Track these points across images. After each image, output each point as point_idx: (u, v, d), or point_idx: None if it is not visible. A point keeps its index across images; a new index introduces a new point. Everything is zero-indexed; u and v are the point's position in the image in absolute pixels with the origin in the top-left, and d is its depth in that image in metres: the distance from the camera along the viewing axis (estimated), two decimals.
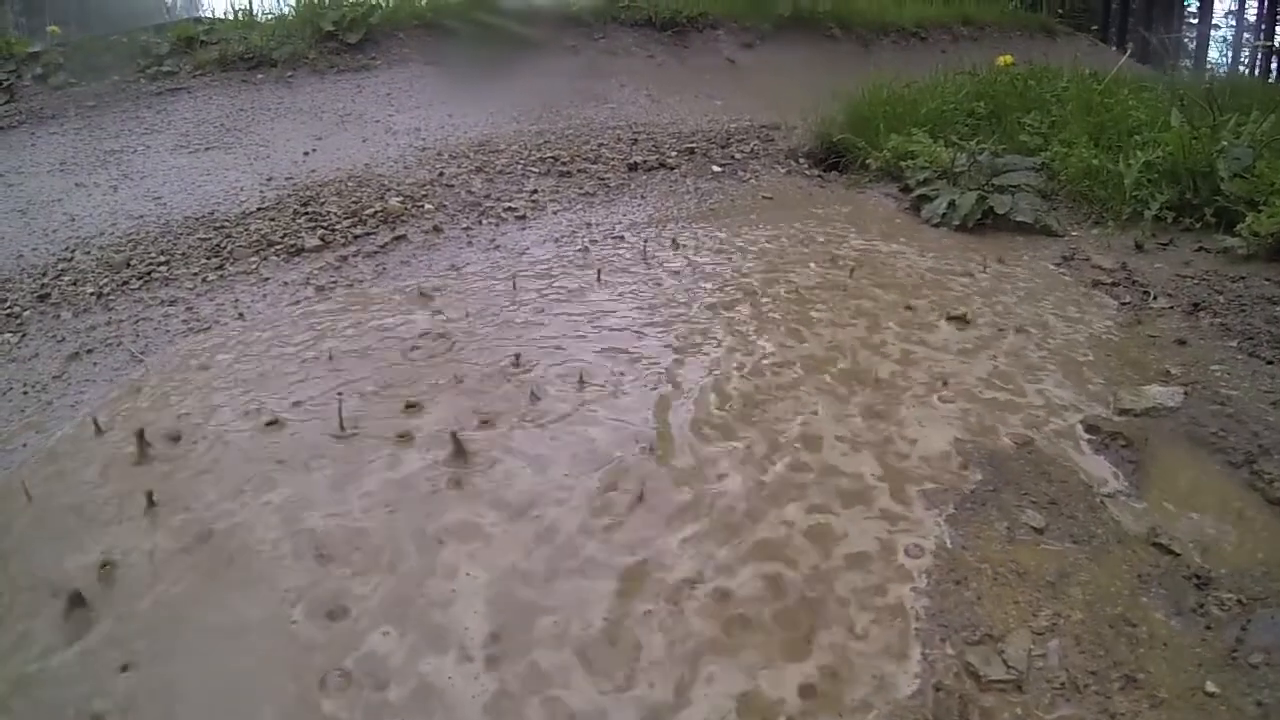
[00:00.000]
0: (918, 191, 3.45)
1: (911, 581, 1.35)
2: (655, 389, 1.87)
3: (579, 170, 3.76)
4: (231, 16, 6.22)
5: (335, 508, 1.50)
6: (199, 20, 6.28)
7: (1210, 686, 1.18)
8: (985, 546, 1.44)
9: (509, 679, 1.17)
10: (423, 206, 3.21)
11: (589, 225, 3.05)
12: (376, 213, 3.11)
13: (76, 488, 1.61)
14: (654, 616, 1.27)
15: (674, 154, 4.08)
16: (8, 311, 2.50)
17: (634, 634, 1.25)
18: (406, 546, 1.41)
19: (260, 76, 5.16)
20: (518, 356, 1.99)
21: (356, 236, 2.94)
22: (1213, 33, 22.02)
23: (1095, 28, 13.23)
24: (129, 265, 2.76)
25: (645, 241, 2.80)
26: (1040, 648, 1.23)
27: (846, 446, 1.69)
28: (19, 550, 1.46)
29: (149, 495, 1.52)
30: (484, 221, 3.10)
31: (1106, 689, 1.17)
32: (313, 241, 2.86)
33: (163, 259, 2.79)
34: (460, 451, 1.62)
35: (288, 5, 6.17)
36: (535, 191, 3.45)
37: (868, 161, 3.90)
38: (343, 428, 1.72)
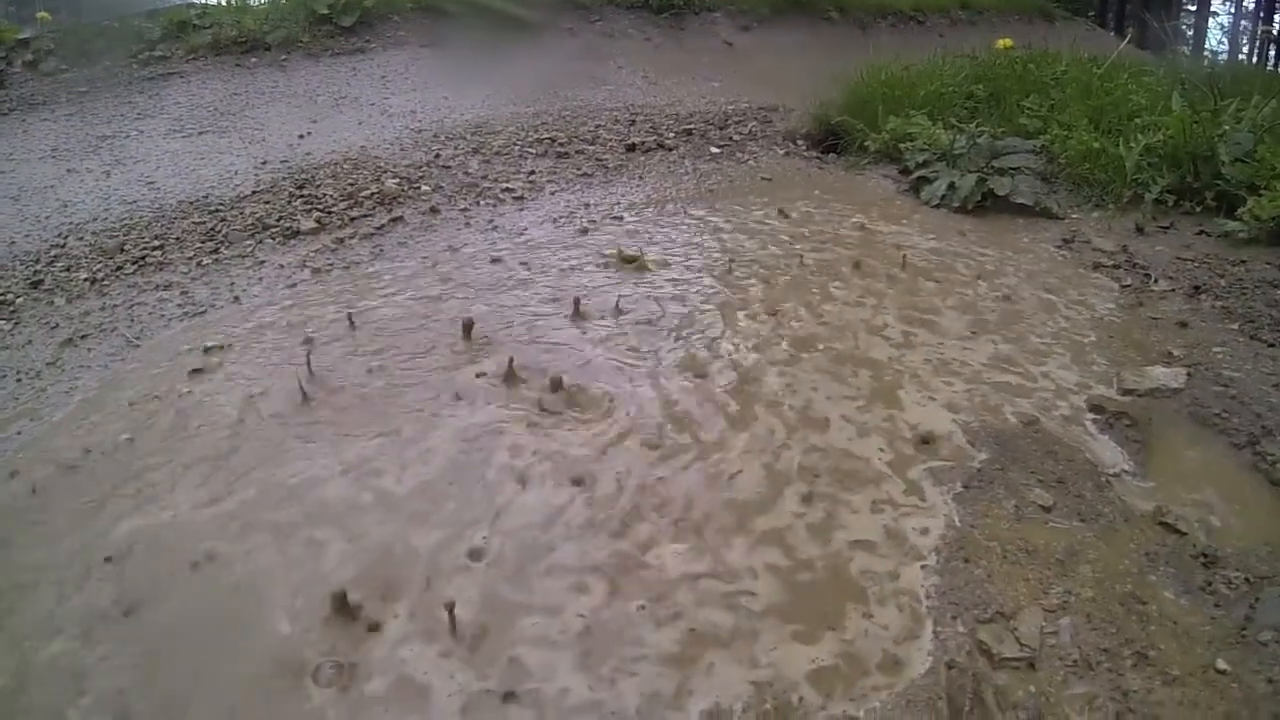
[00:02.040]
0: (917, 173, 3.43)
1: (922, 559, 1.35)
2: None
3: (576, 151, 3.72)
4: (224, 1, 6.16)
5: None
6: (192, 5, 6.20)
7: (1221, 664, 1.18)
8: (994, 525, 1.43)
9: None
10: (419, 188, 3.18)
11: (587, 206, 3.03)
12: (373, 195, 3.08)
13: None
14: None
15: (672, 135, 4.04)
16: (1, 299, 2.47)
17: None
18: None
19: (254, 60, 5.10)
20: None
21: (353, 219, 2.91)
22: (1211, 19, 21.95)
23: (1092, 13, 13.21)
24: (123, 250, 2.72)
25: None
26: (1052, 625, 1.23)
27: (853, 429, 1.69)
28: None
29: None
30: (481, 203, 3.07)
31: (1119, 666, 1.17)
32: (309, 224, 2.83)
33: (157, 244, 2.75)
34: None
35: None
36: (533, 173, 3.42)
37: (866, 144, 3.87)
38: None
